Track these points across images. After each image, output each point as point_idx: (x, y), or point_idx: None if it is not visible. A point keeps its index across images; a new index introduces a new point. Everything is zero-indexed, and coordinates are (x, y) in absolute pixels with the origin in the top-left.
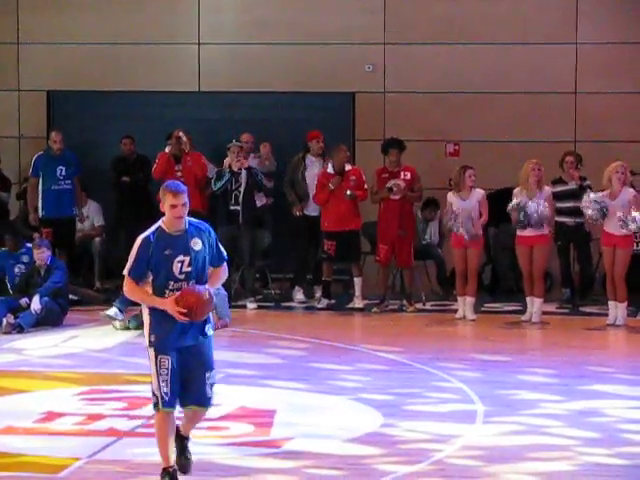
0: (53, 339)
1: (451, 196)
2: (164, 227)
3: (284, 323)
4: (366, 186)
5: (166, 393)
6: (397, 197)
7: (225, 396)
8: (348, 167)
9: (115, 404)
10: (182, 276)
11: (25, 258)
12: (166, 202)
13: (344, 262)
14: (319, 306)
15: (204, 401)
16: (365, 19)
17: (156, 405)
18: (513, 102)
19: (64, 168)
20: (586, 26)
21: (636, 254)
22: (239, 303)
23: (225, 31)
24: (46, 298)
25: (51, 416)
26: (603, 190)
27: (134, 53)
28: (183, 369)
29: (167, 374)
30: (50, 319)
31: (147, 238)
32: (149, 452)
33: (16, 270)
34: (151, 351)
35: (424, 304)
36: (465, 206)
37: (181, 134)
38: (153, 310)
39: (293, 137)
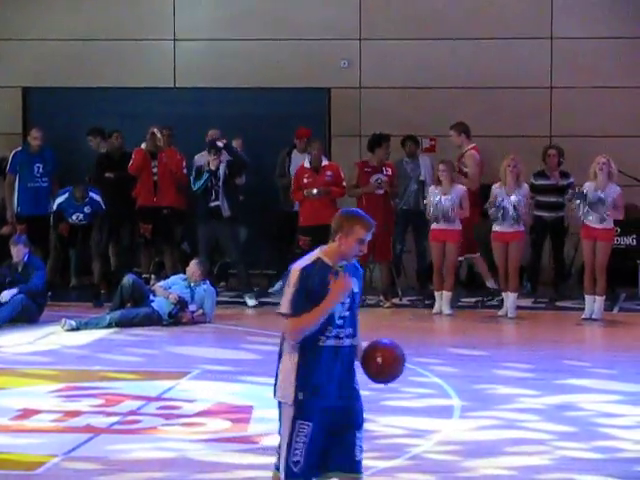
0: (29, 336)
1: (433, 190)
2: (326, 260)
3: (261, 319)
4: (344, 183)
5: (296, 462)
6: (381, 192)
7: (201, 392)
8: (325, 162)
9: (92, 401)
10: (340, 322)
11: None
12: (354, 233)
13: None
14: None
15: (353, 466)
16: (341, 14)
17: (278, 468)
18: (489, 97)
19: (41, 165)
20: (561, 20)
21: (613, 248)
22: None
23: (201, 27)
24: (22, 295)
25: (27, 413)
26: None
27: (110, 49)
28: (329, 431)
29: (304, 442)
30: (26, 316)
31: (308, 268)
32: (126, 449)
33: None
34: (290, 410)
35: (400, 299)
36: (444, 200)
37: (155, 130)
38: (303, 358)
39: (269, 133)
